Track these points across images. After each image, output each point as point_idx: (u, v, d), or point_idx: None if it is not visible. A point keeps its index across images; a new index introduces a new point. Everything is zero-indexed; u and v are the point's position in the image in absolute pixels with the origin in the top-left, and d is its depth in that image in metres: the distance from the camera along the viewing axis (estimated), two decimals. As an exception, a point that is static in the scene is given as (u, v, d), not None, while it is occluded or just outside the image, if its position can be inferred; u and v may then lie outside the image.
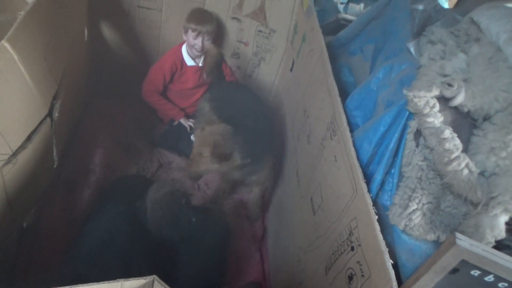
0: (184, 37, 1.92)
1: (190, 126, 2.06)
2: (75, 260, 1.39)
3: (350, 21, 2.26)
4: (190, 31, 1.86)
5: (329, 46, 1.61)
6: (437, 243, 1.00)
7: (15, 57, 1.09)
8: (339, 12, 2.45)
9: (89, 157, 1.88)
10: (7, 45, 1.06)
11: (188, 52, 1.96)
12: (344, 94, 1.49)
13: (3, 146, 1.09)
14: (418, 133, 0.95)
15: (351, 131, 1.17)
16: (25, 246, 1.45)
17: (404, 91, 0.91)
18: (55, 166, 1.53)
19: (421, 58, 1.14)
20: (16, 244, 1.38)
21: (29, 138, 1.21)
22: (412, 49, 1.17)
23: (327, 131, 1.29)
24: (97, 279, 0.72)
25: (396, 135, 0.99)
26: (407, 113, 0.97)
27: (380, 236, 0.88)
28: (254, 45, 2.04)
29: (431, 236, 0.98)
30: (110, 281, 0.70)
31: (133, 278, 0.72)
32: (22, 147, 1.17)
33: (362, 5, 2.50)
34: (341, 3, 2.50)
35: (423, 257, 1.00)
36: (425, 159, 0.94)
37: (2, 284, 1.30)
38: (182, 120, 2.06)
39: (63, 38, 1.48)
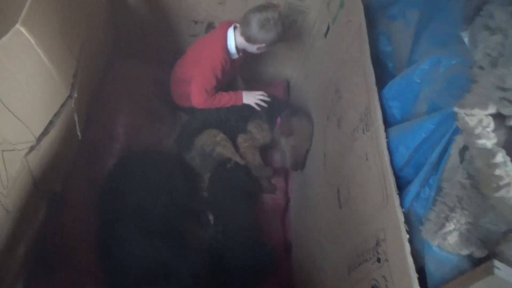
0: (246, 44, 1.78)
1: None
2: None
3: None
4: (262, 45, 1.75)
5: (367, 7, 1.44)
6: (469, 256, 0.95)
7: (32, 40, 1.03)
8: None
9: (111, 124, 1.83)
10: (22, 28, 0.99)
11: (236, 47, 1.82)
12: (379, 66, 1.34)
13: (27, 134, 1.07)
14: (464, 149, 0.86)
15: (386, 122, 1.08)
16: (52, 215, 1.46)
17: (455, 109, 0.80)
18: (79, 139, 1.51)
19: (475, 51, 1.01)
20: (45, 219, 1.40)
21: (51, 122, 1.18)
22: (465, 40, 1.03)
23: (360, 122, 1.20)
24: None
25: (439, 147, 0.90)
26: (454, 125, 0.87)
27: (410, 259, 0.84)
28: (286, 7, 1.87)
29: (465, 252, 0.93)
30: None
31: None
32: (45, 133, 1.15)
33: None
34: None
35: (454, 269, 0.96)
36: (469, 177, 0.86)
37: (35, 259, 1.35)
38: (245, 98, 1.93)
39: (79, 7, 1.38)
